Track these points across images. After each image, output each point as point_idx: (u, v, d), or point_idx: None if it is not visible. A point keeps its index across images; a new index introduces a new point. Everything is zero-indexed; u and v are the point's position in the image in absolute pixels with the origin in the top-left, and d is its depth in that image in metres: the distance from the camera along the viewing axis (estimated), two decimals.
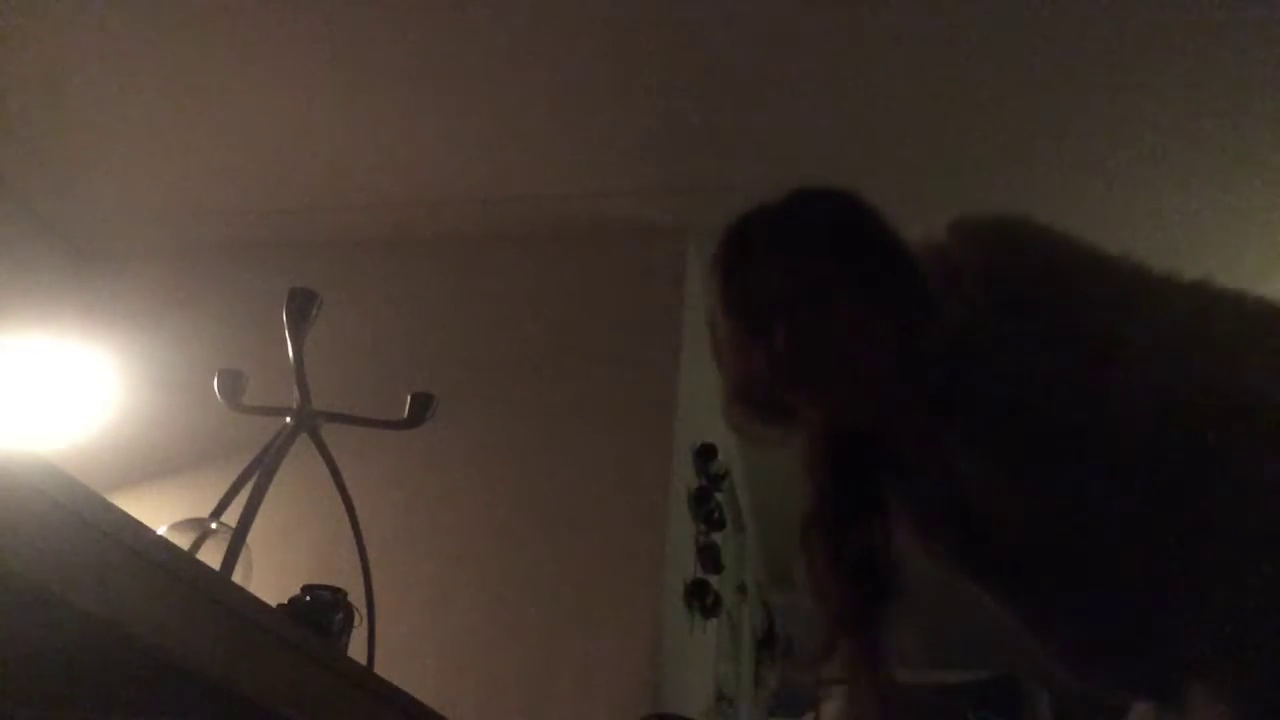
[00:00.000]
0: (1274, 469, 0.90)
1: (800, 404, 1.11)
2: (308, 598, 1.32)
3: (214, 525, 1.48)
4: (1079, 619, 1.04)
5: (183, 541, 1.40)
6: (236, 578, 1.35)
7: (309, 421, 1.55)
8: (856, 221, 1.08)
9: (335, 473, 1.59)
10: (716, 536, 2.76)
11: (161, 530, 1.40)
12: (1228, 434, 0.92)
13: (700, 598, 2.55)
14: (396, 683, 1.23)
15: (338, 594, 1.35)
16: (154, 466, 2.49)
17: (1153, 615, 0.97)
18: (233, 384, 1.62)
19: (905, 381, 1.05)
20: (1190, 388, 0.94)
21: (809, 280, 1.05)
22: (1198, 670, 0.93)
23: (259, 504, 1.41)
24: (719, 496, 2.77)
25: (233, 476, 1.52)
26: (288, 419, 1.54)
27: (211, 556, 1.38)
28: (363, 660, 1.47)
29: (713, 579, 2.69)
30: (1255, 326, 0.98)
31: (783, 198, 1.10)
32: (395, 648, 1.69)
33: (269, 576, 1.47)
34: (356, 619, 1.38)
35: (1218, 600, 0.91)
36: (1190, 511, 0.93)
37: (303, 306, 1.54)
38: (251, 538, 1.39)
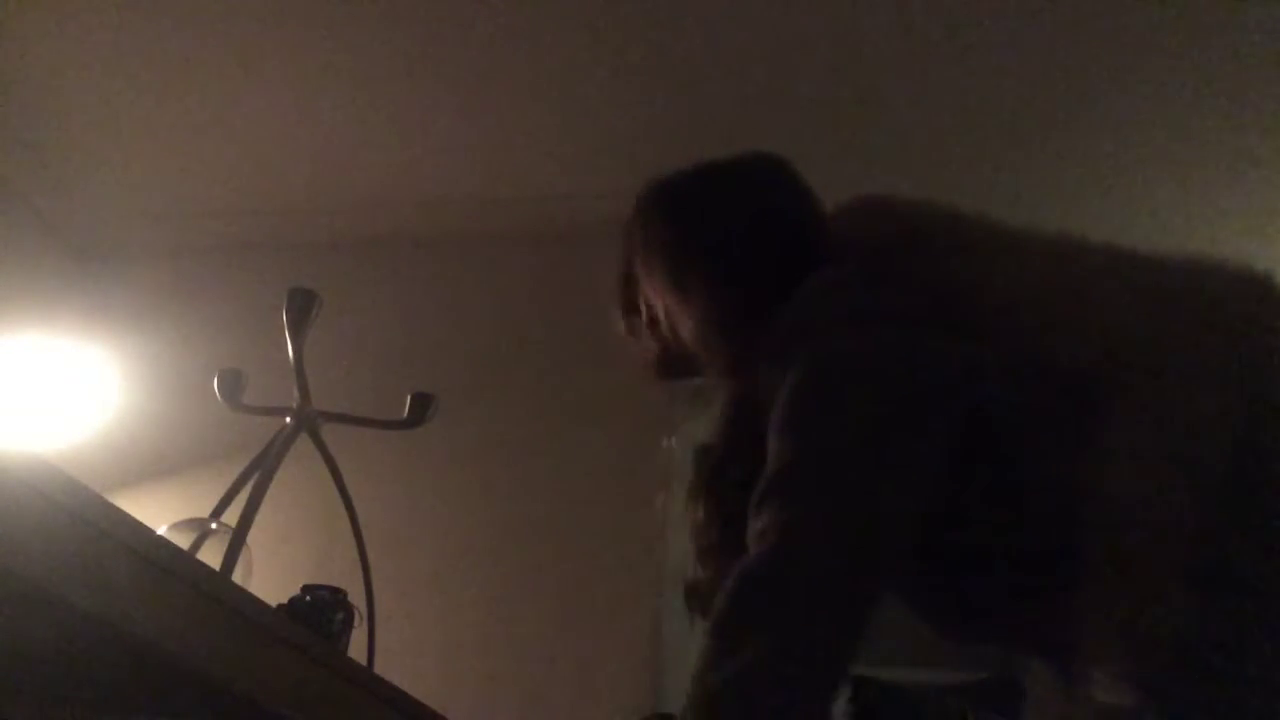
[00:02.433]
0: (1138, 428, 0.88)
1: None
2: (308, 598, 1.32)
3: (214, 525, 1.48)
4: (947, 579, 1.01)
5: (183, 541, 1.40)
6: (236, 578, 1.35)
7: (309, 421, 1.55)
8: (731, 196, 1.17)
9: (335, 473, 1.59)
10: None
11: (161, 530, 1.40)
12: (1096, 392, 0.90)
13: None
14: (396, 683, 1.23)
15: (338, 594, 1.35)
16: (154, 466, 2.49)
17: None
18: (233, 384, 1.63)
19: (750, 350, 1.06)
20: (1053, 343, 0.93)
21: (672, 255, 1.14)
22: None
23: (259, 504, 1.41)
24: None
25: (233, 476, 1.52)
26: (288, 419, 1.54)
27: (211, 556, 1.38)
28: (363, 660, 1.48)
29: None
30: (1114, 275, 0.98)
31: (690, 169, 1.21)
32: (395, 648, 1.69)
33: (269, 576, 1.47)
34: (356, 619, 1.38)
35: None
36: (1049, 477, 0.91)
37: (303, 306, 1.54)
38: (251, 538, 1.39)
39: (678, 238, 1.14)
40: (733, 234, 1.12)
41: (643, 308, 1.17)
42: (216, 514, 1.51)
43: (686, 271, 1.12)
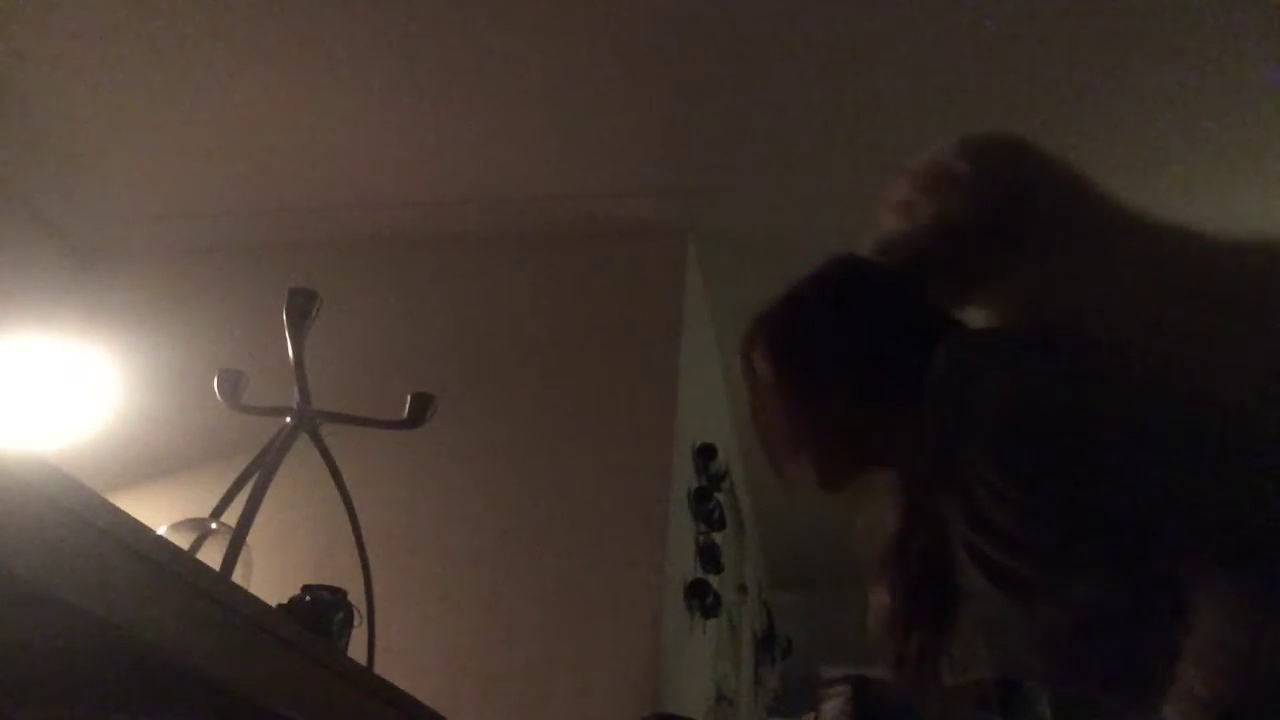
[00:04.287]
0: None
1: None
2: (308, 598, 1.32)
3: (214, 525, 1.48)
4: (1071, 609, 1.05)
5: (183, 541, 1.40)
6: (236, 578, 1.34)
7: (309, 421, 1.55)
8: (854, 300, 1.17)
9: (335, 473, 1.59)
10: (716, 536, 2.76)
11: (161, 530, 1.40)
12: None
13: (700, 598, 2.55)
14: (396, 683, 1.23)
15: (338, 594, 1.35)
16: (154, 466, 2.49)
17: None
18: (233, 384, 1.62)
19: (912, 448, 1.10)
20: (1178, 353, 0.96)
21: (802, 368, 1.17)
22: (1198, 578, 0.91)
23: (259, 504, 1.41)
24: (719, 496, 2.77)
25: (233, 476, 1.52)
26: (288, 419, 1.54)
27: (211, 556, 1.38)
28: (363, 660, 1.47)
29: (713, 579, 2.69)
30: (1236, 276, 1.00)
31: (801, 285, 1.20)
32: (395, 648, 1.69)
33: (269, 576, 1.47)
34: (356, 619, 1.38)
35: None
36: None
37: (303, 306, 1.54)
38: (251, 538, 1.39)
39: (788, 375, 1.18)
40: (834, 348, 1.16)
41: (791, 434, 1.19)
42: (216, 514, 1.51)
43: (809, 400, 1.16)
